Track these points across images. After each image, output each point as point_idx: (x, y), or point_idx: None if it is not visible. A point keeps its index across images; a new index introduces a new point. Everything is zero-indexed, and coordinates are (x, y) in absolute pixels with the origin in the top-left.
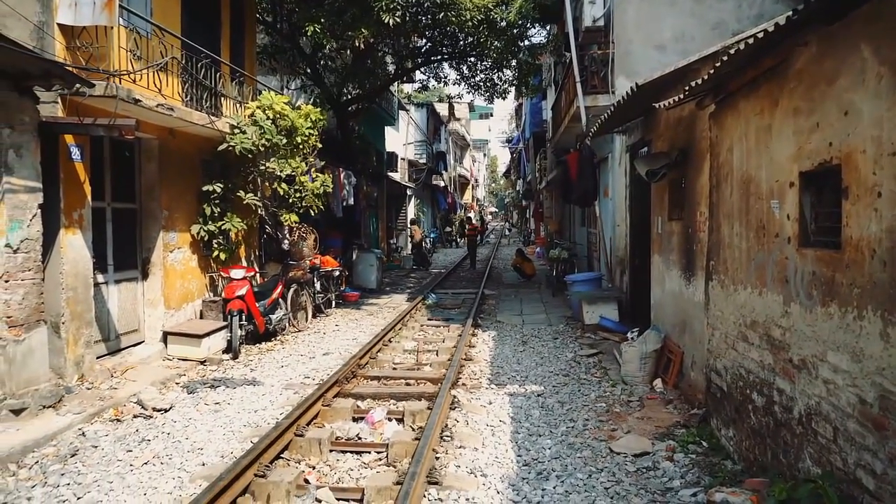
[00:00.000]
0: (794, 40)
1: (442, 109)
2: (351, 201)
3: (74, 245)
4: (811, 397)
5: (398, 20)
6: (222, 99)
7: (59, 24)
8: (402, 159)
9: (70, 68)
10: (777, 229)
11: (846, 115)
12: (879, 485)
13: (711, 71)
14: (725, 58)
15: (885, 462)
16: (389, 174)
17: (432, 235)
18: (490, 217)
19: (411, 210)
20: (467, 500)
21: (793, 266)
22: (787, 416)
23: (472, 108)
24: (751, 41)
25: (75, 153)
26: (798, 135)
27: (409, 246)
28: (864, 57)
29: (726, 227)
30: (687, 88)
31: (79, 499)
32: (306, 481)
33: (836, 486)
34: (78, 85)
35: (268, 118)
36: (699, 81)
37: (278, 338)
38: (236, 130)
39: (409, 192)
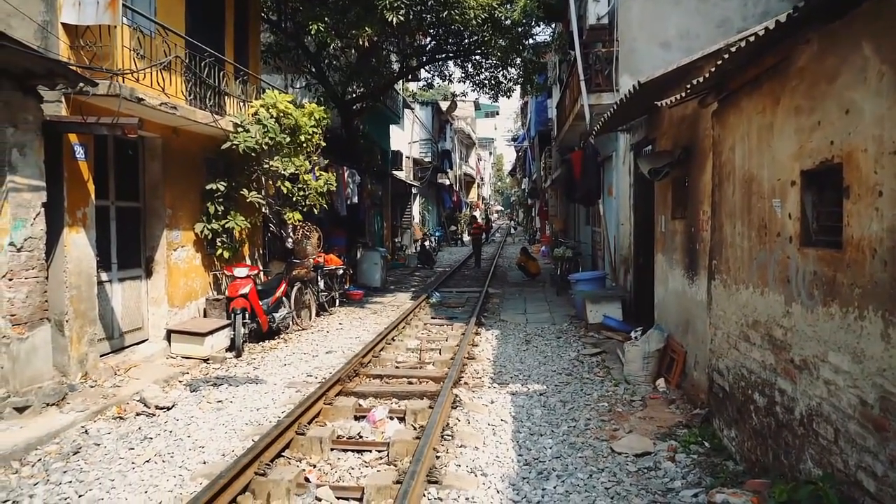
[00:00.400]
0: (795, 38)
1: (445, 106)
2: (355, 200)
3: (78, 243)
4: (812, 398)
5: (402, 18)
6: (226, 97)
7: (63, 24)
8: (407, 158)
9: (74, 67)
10: (779, 228)
11: (847, 113)
12: (880, 487)
13: (713, 69)
14: (727, 56)
15: (886, 464)
16: (394, 172)
17: (437, 234)
18: (496, 216)
19: (416, 208)
20: (467, 499)
21: (794, 265)
22: (788, 416)
23: (477, 106)
24: (752, 39)
25: (79, 152)
26: (799, 133)
27: (414, 244)
28: (865, 55)
29: (728, 227)
30: (689, 86)
31: (80, 496)
32: (307, 480)
33: (837, 488)
34: (81, 84)
35: (271, 117)
36: (701, 79)
37: (281, 336)
38: (240, 129)
39: (414, 191)
